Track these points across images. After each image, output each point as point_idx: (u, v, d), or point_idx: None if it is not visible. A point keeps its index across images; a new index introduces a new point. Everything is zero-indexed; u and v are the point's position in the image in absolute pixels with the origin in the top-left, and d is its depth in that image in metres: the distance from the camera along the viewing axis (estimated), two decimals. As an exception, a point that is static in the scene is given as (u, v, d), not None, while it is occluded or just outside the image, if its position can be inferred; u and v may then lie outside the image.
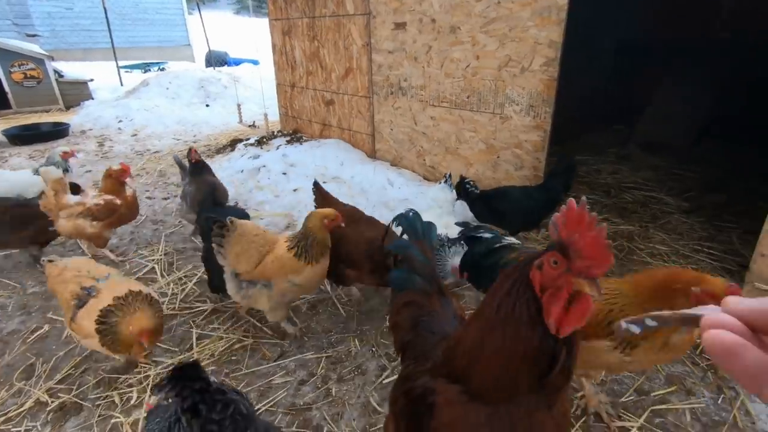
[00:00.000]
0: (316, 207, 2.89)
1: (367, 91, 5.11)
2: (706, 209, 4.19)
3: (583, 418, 2.04)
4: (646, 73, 6.62)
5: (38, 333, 2.75)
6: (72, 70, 11.01)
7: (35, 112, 9.11)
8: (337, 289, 3.10)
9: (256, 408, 2.17)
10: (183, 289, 3.14)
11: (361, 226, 2.68)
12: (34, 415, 2.18)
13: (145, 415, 1.44)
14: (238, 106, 8.37)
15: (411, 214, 1.81)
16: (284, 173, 5.00)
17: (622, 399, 2.17)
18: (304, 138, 6.14)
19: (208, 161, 6.02)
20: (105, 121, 8.25)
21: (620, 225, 3.91)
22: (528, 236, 3.71)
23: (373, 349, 2.56)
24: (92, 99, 9.82)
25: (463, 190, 3.51)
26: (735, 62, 5.91)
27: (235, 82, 9.67)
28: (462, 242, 2.64)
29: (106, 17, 11.55)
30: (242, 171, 5.25)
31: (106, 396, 2.26)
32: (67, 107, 9.49)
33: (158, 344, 2.54)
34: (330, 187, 4.62)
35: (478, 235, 2.44)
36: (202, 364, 2.45)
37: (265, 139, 6.25)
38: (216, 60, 13.49)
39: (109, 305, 2.09)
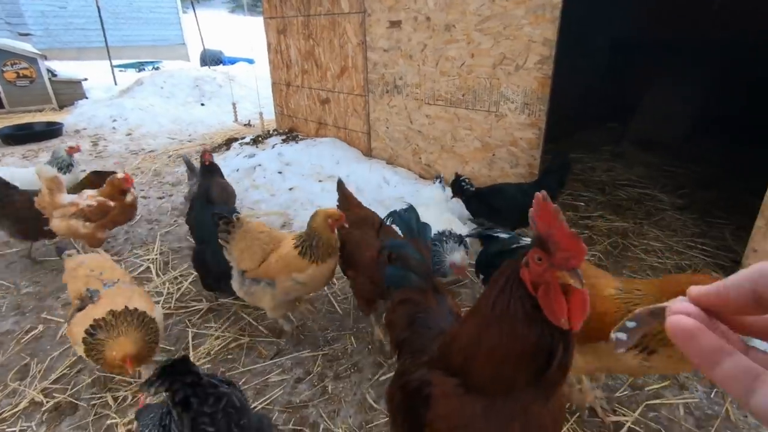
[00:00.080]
0: (338, 206, 2.83)
1: (362, 89, 5.11)
2: (699, 206, 4.22)
3: (578, 413, 2.06)
4: (639, 71, 6.66)
5: (33, 333, 2.74)
6: (65, 69, 10.92)
7: (28, 111, 9.04)
8: (333, 286, 3.10)
9: (252, 406, 2.17)
10: (179, 289, 3.14)
11: (372, 233, 2.50)
12: (29, 416, 2.17)
13: (135, 415, 1.42)
14: (234, 105, 8.35)
15: (406, 211, 1.81)
16: (280, 172, 4.99)
17: (617, 394, 2.19)
18: (299, 137, 6.13)
19: (204, 160, 6.00)
20: (99, 121, 8.19)
21: (615, 222, 3.94)
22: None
23: (370, 346, 2.57)
24: (86, 98, 9.75)
25: (459, 187, 3.52)
26: (727, 60, 5.96)
27: (231, 81, 9.63)
28: (463, 241, 2.63)
29: (100, 16, 11.48)
30: (238, 170, 5.24)
31: (101, 396, 2.26)
32: (61, 107, 9.42)
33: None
34: (326, 186, 4.64)
35: (495, 234, 2.34)
36: (198, 363, 2.46)
37: (260, 138, 6.24)
38: (211, 59, 13.43)
39: (98, 319, 1.99)
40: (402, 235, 1.77)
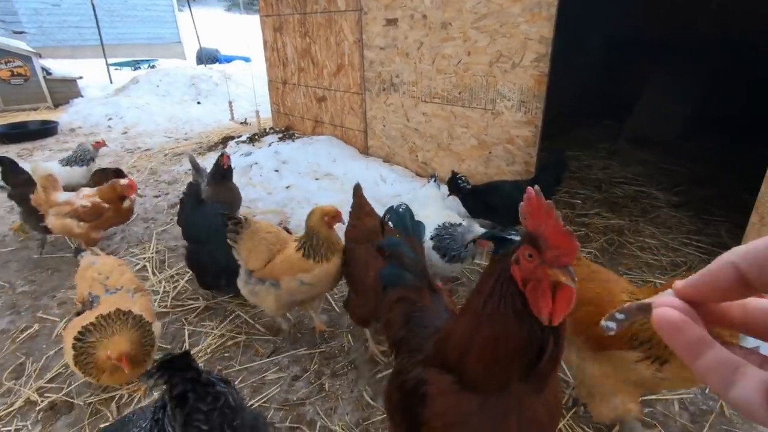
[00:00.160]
0: (350, 212, 2.58)
1: (359, 87, 5.10)
2: (695, 203, 4.24)
3: (573, 409, 2.07)
4: (636, 68, 6.68)
5: (28, 332, 2.73)
6: (60, 67, 10.87)
7: (23, 110, 8.98)
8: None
9: (249, 404, 2.17)
10: (175, 287, 3.13)
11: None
12: (24, 415, 2.16)
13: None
14: (230, 103, 8.32)
15: (402, 209, 1.81)
16: (276, 170, 4.98)
17: (612, 390, 2.20)
18: (296, 135, 6.12)
19: (200, 159, 5.99)
20: (95, 119, 8.15)
21: (611, 219, 3.95)
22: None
23: (366, 344, 2.57)
24: (81, 97, 9.69)
25: (455, 185, 3.52)
26: (724, 59, 5.98)
27: (227, 80, 9.60)
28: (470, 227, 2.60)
29: (95, 14, 11.40)
30: (234, 168, 5.21)
31: (98, 395, 2.25)
32: (56, 105, 9.36)
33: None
34: (322, 184, 4.63)
35: (509, 236, 2.21)
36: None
37: (257, 137, 6.22)
38: (207, 57, 13.38)
39: (87, 324, 1.94)
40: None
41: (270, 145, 5.76)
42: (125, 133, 7.55)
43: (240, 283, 2.44)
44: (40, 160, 4.38)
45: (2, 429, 2.08)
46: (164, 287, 3.13)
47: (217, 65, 12.47)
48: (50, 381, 2.35)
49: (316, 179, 4.75)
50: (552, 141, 5.29)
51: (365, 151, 5.34)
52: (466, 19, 3.81)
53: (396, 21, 4.39)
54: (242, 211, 3.96)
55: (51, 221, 3.24)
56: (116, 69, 13.15)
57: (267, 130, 6.53)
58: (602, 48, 7.08)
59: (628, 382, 1.70)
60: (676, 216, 4.01)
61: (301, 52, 5.73)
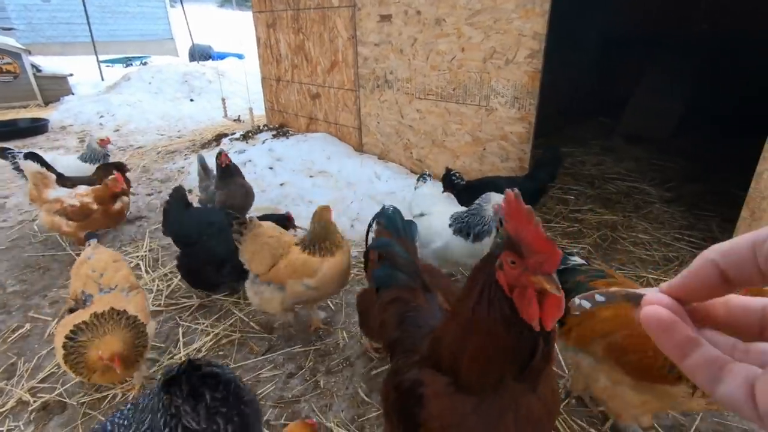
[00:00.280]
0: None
1: (353, 84, 5.08)
2: (687, 199, 4.28)
3: (566, 400, 2.08)
4: (630, 66, 6.71)
5: (19, 332, 2.70)
6: (50, 64, 10.72)
7: (12, 107, 8.85)
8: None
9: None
10: (168, 285, 3.11)
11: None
12: (17, 415, 2.14)
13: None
14: (223, 100, 8.26)
15: (391, 210, 1.81)
16: (271, 168, 4.96)
17: (605, 384, 2.22)
18: (290, 132, 6.09)
19: (193, 157, 5.95)
20: (86, 117, 8.06)
21: (604, 215, 3.98)
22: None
23: (361, 341, 2.57)
24: (72, 94, 9.58)
25: (449, 182, 3.52)
26: (716, 56, 6.02)
27: (220, 77, 9.53)
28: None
29: (85, 10, 11.25)
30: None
31: (91, 394, 2.23)
32: (46, 103, 9.24)
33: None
34: (317, 181, 4.62)
35: None
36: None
37: (250, 134, 6.19)
38: (200, 54, 13.27)
39: (79, 323, 1.91)
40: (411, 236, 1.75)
41: (264, 142, 5.73)
42: (117, 130, 7.47)
43: (247, 283, 2.45)
44: (58, 155, 4.48)
45: (-6, 429, 2.06)
46: (158, 285, 3.11)
47: (210, 62, 12.35)
48: (42, 381, 2.33)
49: (311, 177, 4.74)
50: (546, 138, 5.31)
51: (360, 148, 5.33)
52: (460, 15, 3.80)
53: (390, 17, 4.38)
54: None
55: (42, 217, 3.23)
56: (107, 66, 13.01)
57: (261, 128, 6.49)
58: (597, 45, 7.10)
59: (662, 406, 1.67)
60: (669, 211, 4.04)
61: (295, 49, 5.70)
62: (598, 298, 0.51)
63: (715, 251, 0.38)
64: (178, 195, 3.03)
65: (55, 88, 9.44)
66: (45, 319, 2.81)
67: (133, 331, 1.99)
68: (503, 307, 0.94)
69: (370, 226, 1.98)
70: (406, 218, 1.90)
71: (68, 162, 4.22)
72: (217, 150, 5.92)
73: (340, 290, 2.59)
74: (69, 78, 9.78)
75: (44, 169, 3.38)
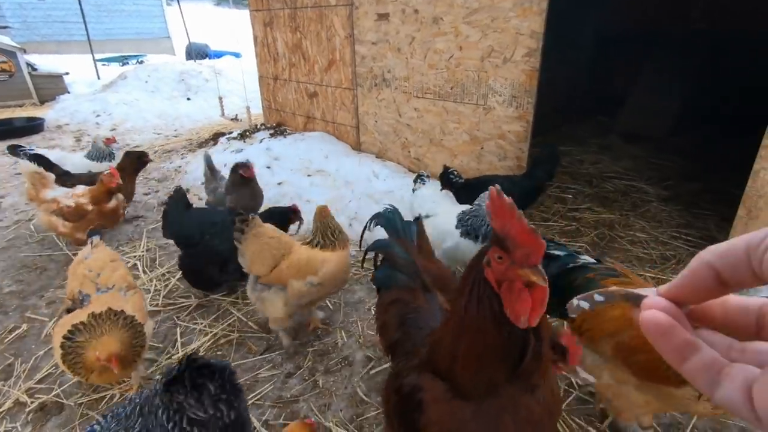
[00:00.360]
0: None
1: (350, 83, 5.07)
2: (684, 197, 4.29)
3: (567, 400, 2.09)
4: (628, 64, 6.72)
5: (16, 333, 2.69)
6: (46, 63, 10.65)
7: (8, 106, 8.80)
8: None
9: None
10: (166, 285, 3.10)
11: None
12: (14, 416, 2.13)
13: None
14: (220, 99, 8.23)
15: (390, 211, 1.80)
16: (268, 167, 4.94)
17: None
18: (288, 131, 6.08)
19: (190, 156, 5.93)
20: (82, 116, 8.02)
21: (602, 214, 3.98)
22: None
23: (360, 340, 2.57)
24: (68, 93, 9.52)
25: (447, 180, 3.50)
26: (713, 55, 6.03)
27: (217, 75, 9.48)
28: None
29: (81, 8, 11.19)
30: (225, 165, 5.14)
31: (88, 395, 2.23)
32: (42, 101, 9.19)
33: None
34: (315, 180, 4.61)
35: (550, 251, 1.98)
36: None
37: (248, 133, 6.17)
38: (196, 52, 13.21)
39: (77, 324, 1.90)
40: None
41: (261, 141, 5.71)
42: (114, 129, 7.43)
43: (248, 288, 2.44)
44: (68, 153, 4.55)
45: (-9, 431, 2.05)
46: (155, 285, 3.10)
47: (206, 60, 12.30)
48: (40, 382, 2.32)
49: (308, 176, 4.73)
50: (544, 136, 5.32)
51: (357, 147, 5.32)
52: (457, 14, 3.80)
53: (387, 16, 4.37)
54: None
55: (40, 217, 3.24)
56: (104, 65, 12.94)
57: (258, 127, 6.47)
58: (594, 43, 7.10)
59: (665, 407, 1.67)
60: (666, 210, 4.06)
61: (292, 48, 5.68)
62: (597, 298, 0.51)
63: (710, 253, 0.39)
64: (178, 196, 3.01)
65: (51, 87, 9.38)
66: (42, 319, 2.80)
67: (130, 331, 1.98)
68: (492, 304, 0.94)
69: (366, 226, 1.98)
70: (405, 219, 1.90)
71: (76, 160, 4.33)
72: (214, 149, 5.92)
73: (342, 287, 2.62)
74: (65, 77, 9.72)
75: (41, 169, 3.38)
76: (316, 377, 2.32)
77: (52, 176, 3.44)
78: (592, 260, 1.93)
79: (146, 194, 4.78)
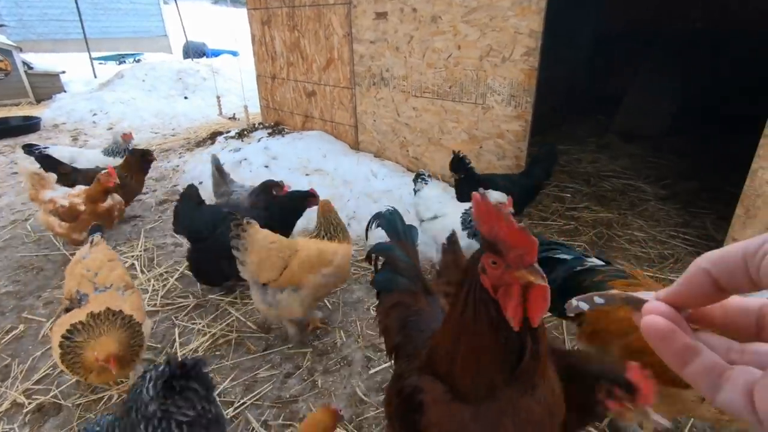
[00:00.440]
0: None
1: (348, 82, 5.06)
2: (682, 196, 4.30)
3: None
4: (626, 63, 6.73)
5: (13, 333, 2.67)
6: (42, 61, 10.60)
7: (4, 105, 8.76)
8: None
9: (241, 402, 2.16)
10: (164, 285, 3.09)
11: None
12: (11, 417, 2.12)
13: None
14: (218, 98, 8.20)
15: (390, 213, 1.79)
16: (266, 166, 4.93)
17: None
18: (286, 130, 6.06)
19: (188, 155, 5.91)
20: (79, 115, 7.98)
21: (600, 213, 3.99)
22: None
23: (359, 340, 2.57)
24: (65, 92, 9.48)
25: (462, 165, 3.39)
26: (711, 54, 6.05)
27: (214, 74, 9.45)
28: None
29: (77, 6, 11.13)
30: (223, 164, 5.14)
31: (86, 396, 2.22)
32: (38, 100, 9.14)
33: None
34: (313, 180, 4.60)
35: (556, 256, 1.99)
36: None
37: (246, 132, 6.15)
38: (194, 51, 13.16)
39: (76, 323, 1.91)
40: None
41: (259, 140, 5.69)
42: (111, 128, 7.39)
43: (256, 300, 2.41)
44: (86, 150, 4.64)
45: (-12, 432, 2.04)
46: (153, 285, 3.09)
47: (204, 59, 12.26)
48: (37, 383, 2.31)
49: (307, 175, 4.72)
50: (542, 135, 5.32)
51: (356, 146, 5.31)
52: (456, 13, 3.79)
53: (386, 14, 4.36)
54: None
55: (40, 216, 3.26)
56: (100, 63, 12.88)
57: (256, 126, 6.45)
58: (593, 43, 7.11)
59: (669, 409, 1.64)
60: (664, 209, 4.06)
61: (290, 46, 5.66)
62: (597, 300, 0.51)
63: (706, 260, 0.39)
64: (191, 193, 3.03)
65: (47, 86, 9.34)
66: (39, 320, 2.79)
67: (128, 330, 1.98)
68: (489, 309, 0.93)
69: (368, 226, 1.97)
70: (407, 221, 1.89)
71: (91, 156, 4.39)
72: (212, 148, 5.90)
73: (343, 283, 2.68)
74: (61, 75, 9.68)
75: (41, 170, 3.41)
76: (315, 377, 2.31)
77: (52, 176, 3.46)
78: (601, 262, 1.92)
79: (144, 193, 4.75)
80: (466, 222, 2.67)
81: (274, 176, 4.70)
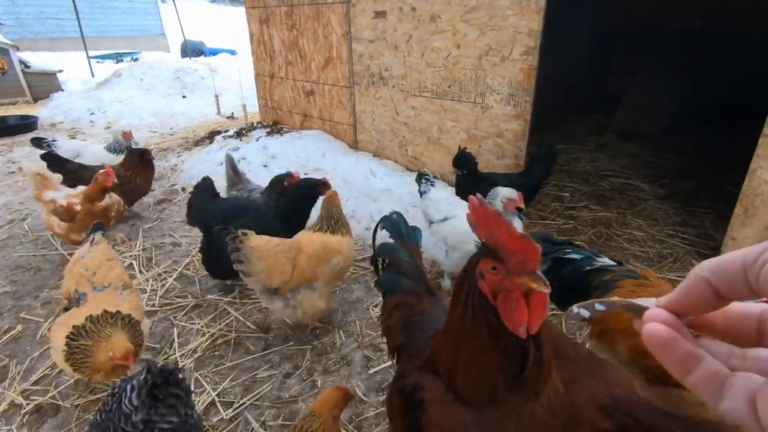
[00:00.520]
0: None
1: (347, 81, 5.05)
2: (680, 195, 4.31)
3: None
4: (625, 62, 6.73)
5: (11, 334, 2.66)
6: (39, 60, 10.55)
7: (1, 105, 8.71)
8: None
9: (241, 402, 2.16)
10: (162, 285, 3.08)
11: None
12: (9, 418, 2.11)
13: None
14: (216, 97, 8.18)
15: (395, 215, 1.80)
16: (265, 165, 4.92)
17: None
18: (284, 129, 6.05)
19: (186, 154, 5.90)
20: (76, 114, 7.95)
21: (599, 212, 3.99)
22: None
23: (358, 340, 2.56)
24: (62, 91, 9.45)
25: (468, 161, 3.35)
26: (710, 53, 6.05)
27: (213, 73, 9.43)
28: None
29: (74, 5, 11.08)
30: (221, 164, 5.13)
31: (85, 396, 2.21)
32: (35, 99, 9.11)
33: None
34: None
35: (565, 255, 2.00)
36: (185, 360, 2.42)
37: (244, 131, 6.13)
38: (192, 50, 13.13)
39: (78, 326, 1.91)
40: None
41: (258, 139, 5.68)
42: (108, 128, 7.37)
43: (274, 307, 2.39)
44: (91, 145, 4.75)
45: (-14, 433, 2.03)
46: (152, 285, 3.08)
47: (202, 58, 12.23)
48: (35, 383, 2.30)
49: (305, 174, 4.70)
50: (541, 135, 5.32)
51: (355, 145, 5.31)
52: (455, 12, 3.78)
53: (384, 13, 4.35)
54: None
55: (43, 217, 3.29)
56: (98, 62, 12.83)
57: (254, 125, 6.44)
58: (592, 42, 7.10)
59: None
60: (663, 208, 4.07)
61: (289, 45, 5.65)
62: (598, 307, 0.51)
63: (705, 268, 0.39)
64: (206, 185, 3.05)
65: (45, 85, 9.30)
66: (37, 320, 2.78)
67: (129, 330, 1.99)
68: (488, 316, 0.91)
69: (375, 229, 1.96)
70: (415, 225, 1.88)
71: (96, 151, 4.51)
72: (210, 147, 5.89)
73: (347, 272, 2.72)
74: (58, 74, 9.64)
75: (44, 170, 3.41)
76: (314, 377, 2.31)
77: (57, 177, 3.49)
78: (612, 262, 1.91)
79: (142, 193, 4.74)
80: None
81: (273, 175, 4.70)
